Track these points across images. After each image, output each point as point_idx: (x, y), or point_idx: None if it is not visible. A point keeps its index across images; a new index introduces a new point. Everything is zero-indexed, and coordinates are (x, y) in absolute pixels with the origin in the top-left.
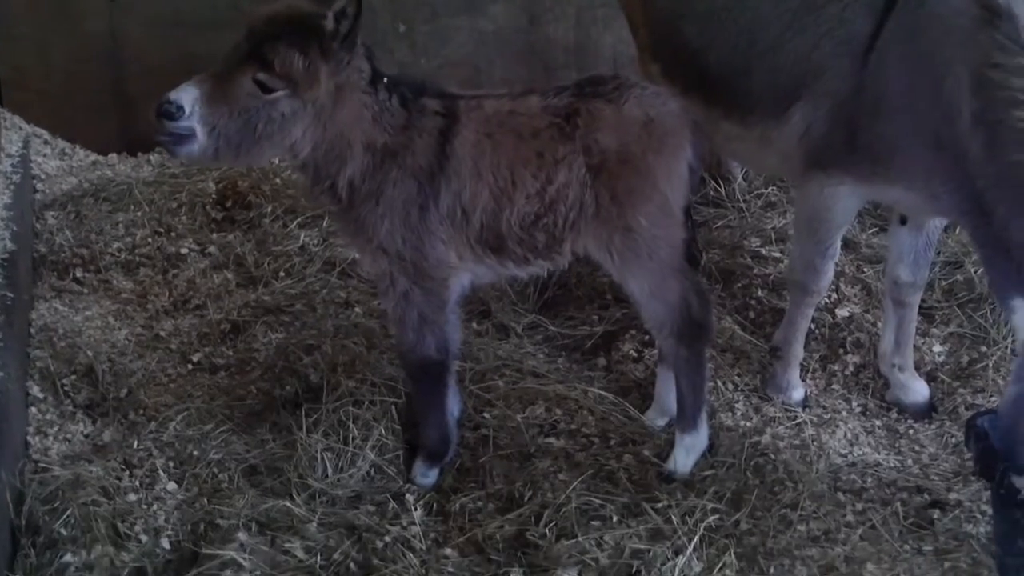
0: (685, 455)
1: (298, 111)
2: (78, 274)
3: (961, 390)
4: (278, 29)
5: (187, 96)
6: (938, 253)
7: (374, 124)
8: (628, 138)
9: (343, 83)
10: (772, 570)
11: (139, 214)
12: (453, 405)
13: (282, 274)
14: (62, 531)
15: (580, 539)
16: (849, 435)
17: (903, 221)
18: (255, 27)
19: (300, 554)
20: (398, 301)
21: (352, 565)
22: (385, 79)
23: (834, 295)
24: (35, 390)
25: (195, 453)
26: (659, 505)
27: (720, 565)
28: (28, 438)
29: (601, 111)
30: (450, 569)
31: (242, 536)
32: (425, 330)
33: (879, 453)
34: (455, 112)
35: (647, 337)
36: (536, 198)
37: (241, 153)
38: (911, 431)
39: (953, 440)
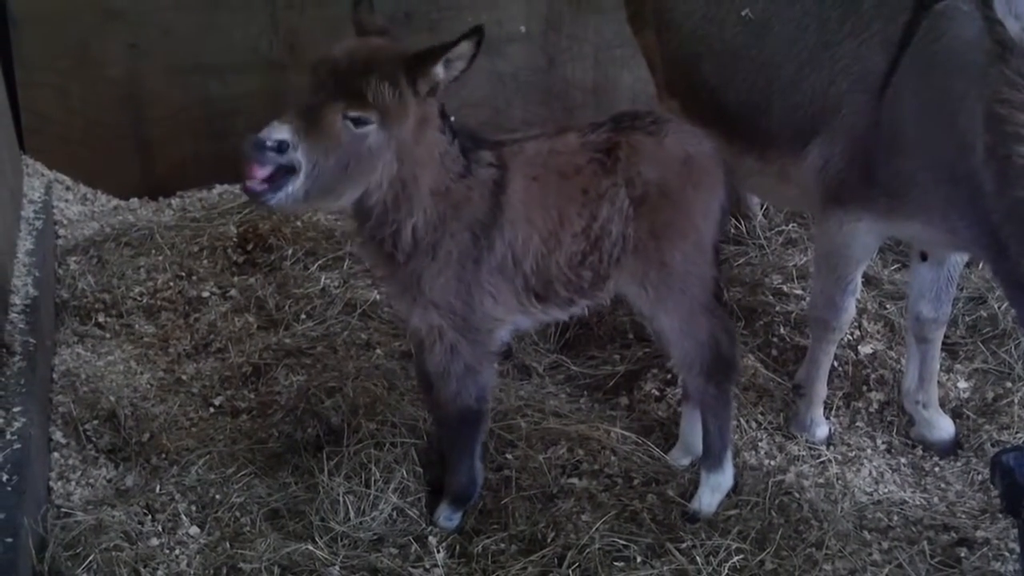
0: (710, 494)
1: (383, 144)
2: (100, 319)
3: (987, 426)
4: (369, 64)
5: (283, 132)
6: (961, 289)
7: (441, 167)
8: (669, 172)
9: (422, 117)
10: None
11: (160, 258)
12: None
13: (303, 316)
14: None
15: None
16: (874, 473)
17: (924, 257)
18: (338, 65)
19: None
20: (445, 354)
21: None
22: (452, 118)
23: (857, 332)
24: (57, 435)
25: (217, 497)
26: (683, 545)
27: None
28: (51, 483)
29: (642, 144)
30: None
31: None
32: (468, 380)
33: (905, 491)
34: (504, 161)
35: (669, 376)
36: (582, 236)
37: (331, 193)
38: (937, 468)
39: (979, 477)
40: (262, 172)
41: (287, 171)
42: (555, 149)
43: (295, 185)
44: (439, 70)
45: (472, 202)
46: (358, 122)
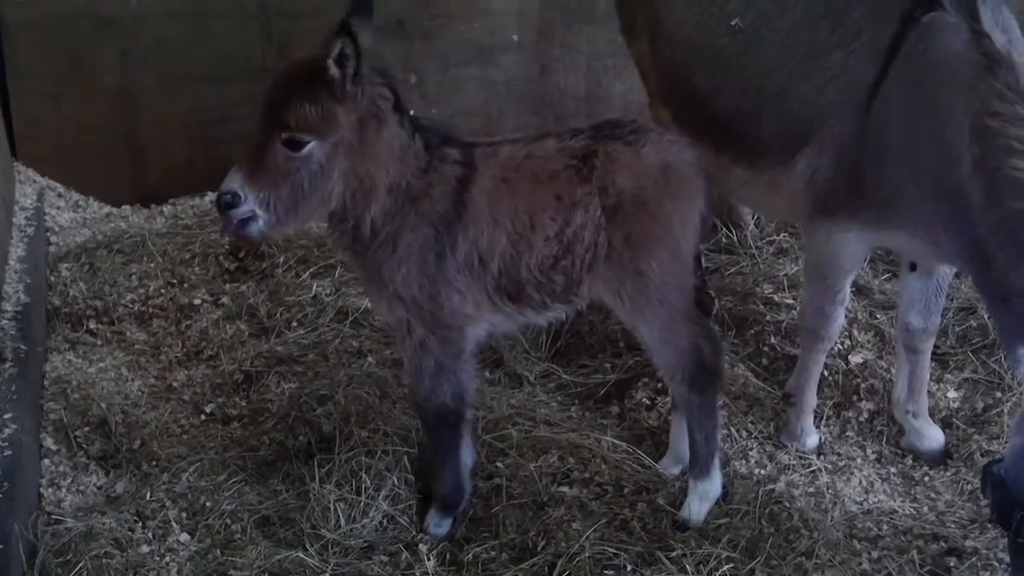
0: (699, 502)
1: (330, 154)
2: (91, 326)
3: (976, 436)
4: (285, 89)
5: (235, 183)
6: (951, 299)
7: (400, 162)
8: (645, 182)
9: (364, 115)
10: None
11: (152, 265)
12: (466, 455)
13: (295, 324)
14: None
15: None
16: (864, 482)
17: (913, 267)
18: (268, 96)
19: None
20: (415, 349)
21: None
22: (411, 112)
23: (847, 341)
24: (48, 442)
25: (208, 504)
26: (673, 554)
27: None
28: (41, 490)
29: (619, 153)
30: None
31: None
32: (441, 378)
33: (894, 500)
34: (473, 161)
35: (660, 385)
36: (555, 240)
37: (300, 214)
38: (926, 478)
39: (969, 487)
40: (232, 225)
41: (249, 215)
42: (531, 153)
43: (258, 224)
44: (335, 73)
45: (432, 197)
46: (294, 145)
